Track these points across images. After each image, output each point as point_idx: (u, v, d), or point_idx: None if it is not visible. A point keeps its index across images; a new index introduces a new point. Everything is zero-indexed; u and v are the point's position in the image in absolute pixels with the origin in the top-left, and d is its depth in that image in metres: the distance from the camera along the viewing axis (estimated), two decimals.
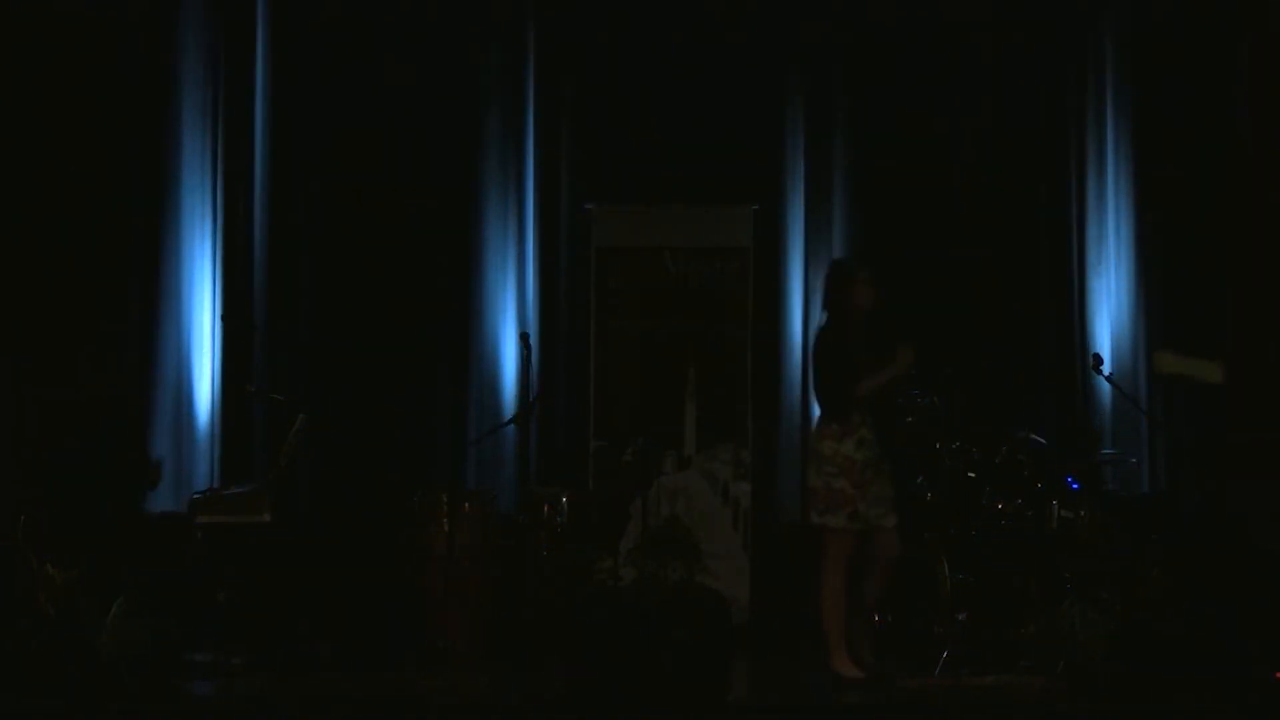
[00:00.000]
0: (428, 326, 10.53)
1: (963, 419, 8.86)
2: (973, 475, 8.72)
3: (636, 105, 10.63)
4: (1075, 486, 8.80)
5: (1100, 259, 10.62)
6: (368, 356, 10.34)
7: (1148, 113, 10.61)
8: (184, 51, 10.44)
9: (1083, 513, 8.61)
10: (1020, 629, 8.18)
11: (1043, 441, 8.93)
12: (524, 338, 9.16)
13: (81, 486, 8.55)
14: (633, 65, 10.64)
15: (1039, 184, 10.69)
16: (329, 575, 9.38)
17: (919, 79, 10.64)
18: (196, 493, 9.23)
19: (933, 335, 8.98)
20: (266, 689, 8.07)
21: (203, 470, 10.34)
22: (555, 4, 10.70)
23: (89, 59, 10.12)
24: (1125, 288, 10.60)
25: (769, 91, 10.71)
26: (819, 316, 8.46)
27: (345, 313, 10.44)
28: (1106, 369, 9.36)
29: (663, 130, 10.59)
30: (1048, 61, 10.71)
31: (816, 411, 8.39)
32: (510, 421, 10.12)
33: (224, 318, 10.06)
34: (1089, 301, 10.61)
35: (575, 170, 10.67)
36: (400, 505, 9.23)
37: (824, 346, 8.25)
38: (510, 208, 10.63)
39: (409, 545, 9.07)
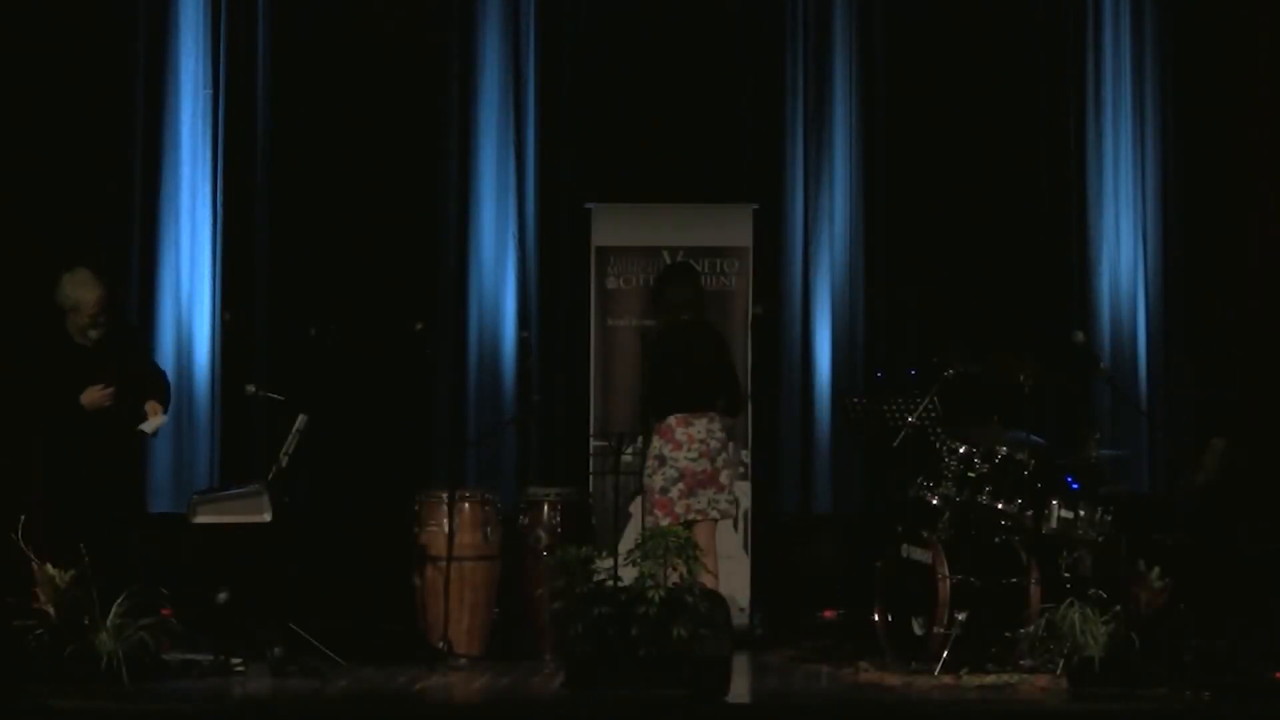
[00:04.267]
0: (428, 326, 10.51)
1: (963, 419, 8.86)
2: (972, 475, 8.71)
3: (636, 105, 10.62)
4: (1075, 486, 8.79)
5: (1102, 259, 10.65)
6: (367, 356, 10.32)
7: (1146, 115, 10.64)
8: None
9: (1082, 513, 8.61)
10: (1020, 629, 8.18)
11: (1042, 441, 8.93)
12: (525, 341, 9.16)
13: (81, 486, 8.53)
14: (632, 65, 10.64)
15: (1042, 184, 10.69)
16: (329, 575, 9.39)
17: (921, 78, 10.64)
18: (196, 493, 9.22)
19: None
20: (266, 689, 8.07)
21: (203, 470, 10.35)
22: (556, 2, 10.70)
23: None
24: (1125, 289, 10.61)
25: (769, 91, 10.71)
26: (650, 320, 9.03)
27: (346, 312, 10.42)
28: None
29: (663, 130, 10.59)
30: (1051, 59, 10.72)
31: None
32: (510, 421, 10.13)
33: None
34: (1090, 302, 10.61)
35: (575, 170, 10.66)
36: (400, 505, 9.22)
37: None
38: (510, 207, 10.63)
39: (409, 545, 9.06)
